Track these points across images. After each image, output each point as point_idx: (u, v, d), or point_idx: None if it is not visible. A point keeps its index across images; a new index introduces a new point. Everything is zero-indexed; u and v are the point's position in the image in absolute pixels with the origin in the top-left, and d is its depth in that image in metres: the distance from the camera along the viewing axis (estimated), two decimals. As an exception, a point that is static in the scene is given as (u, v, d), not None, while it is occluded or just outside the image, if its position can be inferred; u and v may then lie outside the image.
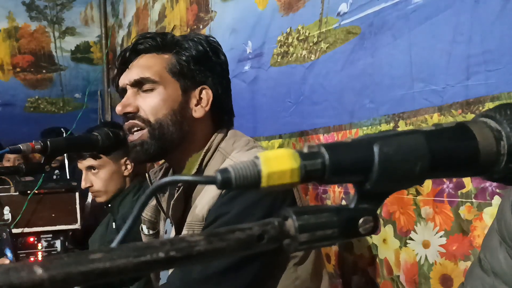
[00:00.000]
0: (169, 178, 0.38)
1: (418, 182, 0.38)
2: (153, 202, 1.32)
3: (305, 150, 0.36)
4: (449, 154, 0.38)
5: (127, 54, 1.21)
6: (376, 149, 0.36)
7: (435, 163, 0.37)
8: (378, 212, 1.48)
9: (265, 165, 0.35)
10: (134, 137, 1.16)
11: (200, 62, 1.19)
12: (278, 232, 0.35)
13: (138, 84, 1.16)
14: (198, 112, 1.18)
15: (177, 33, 3.15)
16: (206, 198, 1.10)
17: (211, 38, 1.24)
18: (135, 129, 1.16)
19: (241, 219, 1.01)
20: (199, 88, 1.19)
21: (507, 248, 0.85)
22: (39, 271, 0.30)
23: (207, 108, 1.19)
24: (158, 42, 1.19)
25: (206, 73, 1.19)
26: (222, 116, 1.24)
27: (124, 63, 1.21)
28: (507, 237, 0.84)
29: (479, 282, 0.90)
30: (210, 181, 0.36)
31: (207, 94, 1.19)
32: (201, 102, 1.19)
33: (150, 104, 1.15)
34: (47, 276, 0.30)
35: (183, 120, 1.16)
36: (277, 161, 0.35)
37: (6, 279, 0.29)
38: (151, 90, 1.15)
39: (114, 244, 0.36)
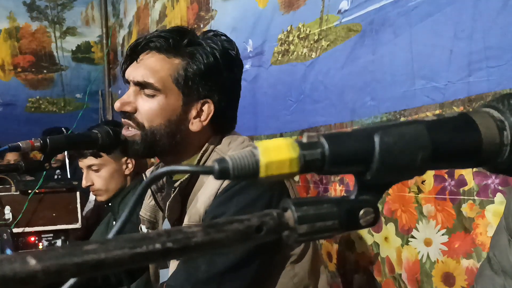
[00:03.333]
0: (165, 168, 0.37)
1: (419, 172, 0.37)
2: (152, 202, 1.32)
3: (305, 140, 0.35)
4: (451, 144, 0.37)
5: (139, 47, 1.18)
6: (376, 139, 0.35)
7: (436, 154, 0.36)
8: (380, 209, 1.48)
9: (264, 155, 0.34)
10: (127, 133, 1.16)
11: (208, 76, 1.15)
12: (277, 224, 0.34)
13: (141, 85, 1.15)
14: (195, 125, 1.16)
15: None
16: (202, 198, 1.09)
17: (229, 47, 1.19)
18: (130, 127, 1.16)
19: None
20: (201, 101, 1.15)
21: None
22: (32, 262, 0.29)
23: (205, 123, 1.16)
24: (171, 44, 1.15)
25: (212, 88, 1.15)
26: (221, 126, 1.21)
27: (134, 53, 1.19)
28: None
29: (489, 283, 0.88)
30: (208, 171, 0.35)
31: (208, 109, 1.16)
32: (201, 115, 1.16)
33: (148, 110, 1.13)
34: (40, 267, 0.29)
35: (178, 131, 1.15)
36: (276, 151, 0.34)
37: (-1, 270, 0.28)
38: (152, 96, 1.14)
39: (110, 236, 0.35)
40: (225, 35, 1.23)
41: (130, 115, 1.14)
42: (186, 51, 1.15)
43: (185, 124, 1.15)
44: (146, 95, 1.14)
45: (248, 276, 1.04)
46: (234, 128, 1.26)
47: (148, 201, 1.33)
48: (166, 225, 1.28)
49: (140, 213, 1.35)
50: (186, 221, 1.13)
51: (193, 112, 1.15)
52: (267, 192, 1.05)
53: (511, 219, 0.83)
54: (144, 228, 1.35)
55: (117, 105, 1.14)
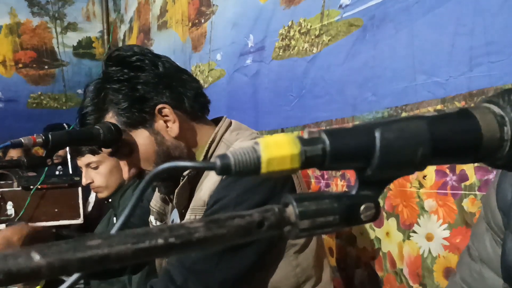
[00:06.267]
0: (167, 164, 0.37)
1: (420, 168, 0.37)
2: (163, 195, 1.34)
3: (306, 136, 0.36)
4: (451, 140, 0.37)
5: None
6: (377, 134, 0.36)
7: (436, 149, 0.36)
8: (381, 204, 1.47)
9: (265, 151, 0.34)
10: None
11: (135, 97, 1.16)
12: (278, 219, 0.35)
13: (114, 155, 1.21)
14: (173, 131, 1.17)
15: (178, 27, 3.15)
16: (208, 184, 1.12)
17: (127, 59, 1.18)
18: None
19: (239, 203, 1.03)
20: (156, 112, 1.16)
21: (493, 234, 0.86)
22: (36, 257, 0.29)
23: (177, 122, 1.17)
24: (93, 113, 1.19)
25: (149, 96, 1.16)
26: (193, 109, 1.21)
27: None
28: (493, 223, 0.85)
29: (467, 270, 0.91)
30: (209, 167, 0.35)
31: (167, 111, 1.17)
32: (169, 120, 1.18)
33: (138, 162, 1.19)
34: (45, 262, 0.29)
35: (169, 149, 1.18)
36: (277, 147, 0.34)
37: (3, 265, 0.29)
38: (130, 151, 1.18)
39: (113, 231, 0.36)
40: (116, 49, 1.24)
41: (141, 176, 1.22)
42: (102, 103, 1.18)
43: (167, 138, 1.18)
44: (125, 156, 1.19)
45: (246, 260, 1.06)
46: (207, 100, 1.27)
47: (160, 193, 1.36)
48: (174, 215, 1.29)
49: (151, 203, 1.38)
50: (192, 206, 1.16)
51: (161, 125, 1.17)
52: (271, 178, 1.06)
53: (489, 209, 0.86)
54: (153, 219, 1.37)
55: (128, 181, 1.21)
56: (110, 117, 1.17)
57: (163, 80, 1.18)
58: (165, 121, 1.18)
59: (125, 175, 1.21)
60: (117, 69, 1.17)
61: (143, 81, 1.16)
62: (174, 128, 1.17)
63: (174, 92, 1.18)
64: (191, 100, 1.21)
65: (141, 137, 1.17)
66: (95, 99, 1.18)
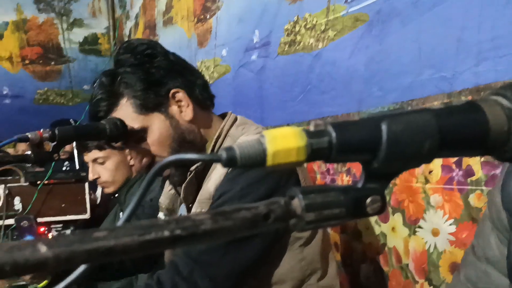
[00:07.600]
0: (172, 157, 0.37)
1: (427, 160, 0.37)
2: (172, 190, 1.35)
3: (312, 128, 0.36)
4: (459, 132, 0.37)
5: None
6: (384, 127, 0.35)
7: (444, 142, 0.36)
8: (387, 199, 1.47)
9: (271, 143, 0.34)
10: (165, 174, 1.24)
11: (149, 81, 1.17)
12: (284, 211, 0.35)
13: (126, 143, 1.21)
14: (187, 115, 1.19)
15: (184, 23, 3.14)
16: (214, 177, 1.13)
17: (139, 47, 1.19)
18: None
19: (244, 196, 1.04)
20: (170, 96, 1.18)
21: (498, 234, 0.85)
22: (43, 249, 0.29)
23: (191, 105, 1.19)
24: (107, 99, 1.19)
25: (162, 81, 1.18)
26: (203, 97, 1.24)
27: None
28: (498, 223, 0.84)
29: (472, 269, 0.90)
30: (215, 159, 0.35)
31: (181, 95, 1.19)
32: (182, 105, 1.19)
33: (154, 147, 1.18)
34: (51, 254, 0.29)
35: (184, 133, 1.19)
36: (283, 140, 0.34)
37: (10, 257, 0.29)
38: (145, 135, 1.18)
39: (119, 223, 0.36)
40: (129, 40, 1.25)
41: (153, 161, 1.21)
42: (118, 87, 1.18)
43: (181, 123, 1.19)
44: (143, 140, 1.19)
45: (252, 252, 1.07)
46: (212, 95, 1.28)
47: (168, 189, 1.37)
48: (182, 209, 1.30)
49: (160, 200, 1.39)
50: (198, 199, 1.17)
51: (175, 109, 1.19)
52: (276, 172, 1.07)
53: (494, 208, 0.85)
54: (162, 215, 1.38)
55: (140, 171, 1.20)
56: (125, 102, 1.17)
57: (175, 67, 1.21)
58: (179, 106, 1.19)
59: (137, 165, 1.21)
60: (130, 55, 1.19)
61: (156, 65, 1.18)
62: (188, 112, 1.19)
63: (185, 79, 1.21)
64: (201, 89, 1.23)
65: (157, 121, 1.18)
66: (109, 85, 1.19)
